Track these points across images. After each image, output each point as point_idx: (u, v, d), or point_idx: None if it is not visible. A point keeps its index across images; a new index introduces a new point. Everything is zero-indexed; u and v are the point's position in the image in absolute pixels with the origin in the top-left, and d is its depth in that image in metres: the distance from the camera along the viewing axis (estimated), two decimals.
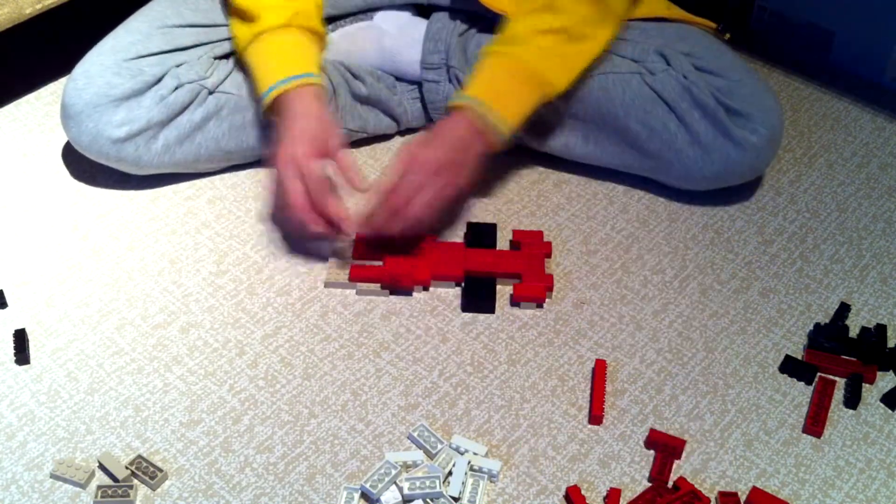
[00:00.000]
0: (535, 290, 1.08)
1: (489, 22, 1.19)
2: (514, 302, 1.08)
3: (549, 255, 1.13)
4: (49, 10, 1.23)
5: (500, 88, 1.08)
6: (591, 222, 1.18)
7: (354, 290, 1.09)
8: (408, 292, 1.09)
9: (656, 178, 1.20)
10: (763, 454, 0.95)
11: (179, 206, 1.19)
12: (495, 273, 1.10)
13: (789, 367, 1.02)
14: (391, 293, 1.09)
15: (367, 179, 1.15)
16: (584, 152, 1.21)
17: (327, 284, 1.10)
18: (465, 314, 1.07)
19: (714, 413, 0.98)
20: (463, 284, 1.10)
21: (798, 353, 1.04)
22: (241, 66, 1.18)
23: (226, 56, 1.19)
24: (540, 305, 1.08)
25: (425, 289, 1.10)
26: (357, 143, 1.27)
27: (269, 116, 1.12)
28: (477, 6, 1.17)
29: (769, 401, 1.00)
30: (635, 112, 1.15)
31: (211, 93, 1.16)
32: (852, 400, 0.99)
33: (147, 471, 0.91)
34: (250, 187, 1.22)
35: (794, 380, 1.01)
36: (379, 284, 1.09)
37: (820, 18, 1.41)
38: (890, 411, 0.99)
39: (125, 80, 1.11)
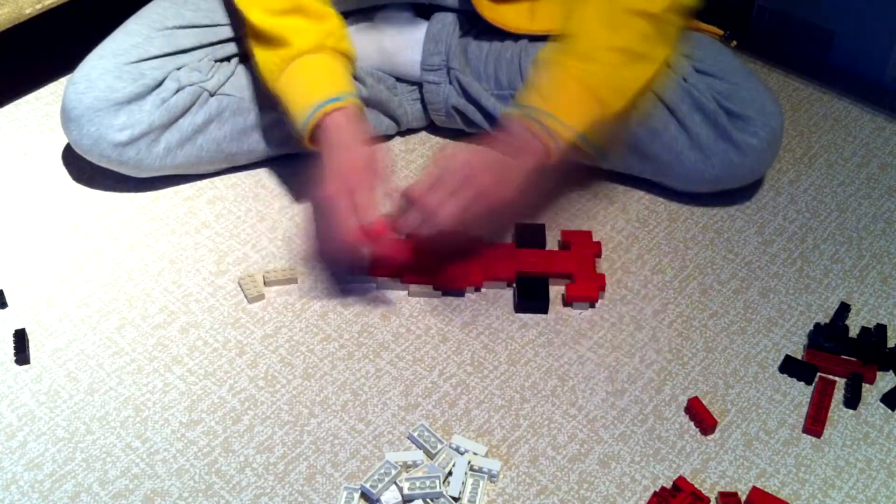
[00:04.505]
0: (588, 290, 1.07)
1: (490, 24, 1.18)
2: (567, 302, 1.08)
3: (598, 255, 1.12)
4: (49, 10, 1.23)
5: (561, 99, 1.03)
6: (591, 222, 1.18)
7: (388, 288, 1.09)
8: (460, 293, 1.09)
9: (657, 181, 1.20)
10: (763, 454, 0.95)
11: (179, 206, 1.19)
12: (547, 273, 1.10)
13: (789, 367, 1.02)
14: (443, 294, 1.09)
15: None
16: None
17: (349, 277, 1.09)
18: (464, 314, 1.07)
19: (714, 413, 0.98)
20: (515, 285, 1.09)
21: (798, 353, 1.04)
22: (245, 68, 1.18)
23: (227, 59, 1.19)
24: (592, 305, 1.08)
25: (477, 290, 1.10)
26: None
27: (311, 146, 1.07)
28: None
29: (769, 401, 0.99)
30: (636, 114, 1.14)
31: (212, 95, 1.16)
32: (852, 400, 0.98)
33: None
34: (250, 187, 1.21)
35: (794, 380, 1.01)
36: (431, 286, 1.08)
37: (820, 18, 1.41)
38: (890, 411, 0.99)
39: (127, 84, 1.11)
